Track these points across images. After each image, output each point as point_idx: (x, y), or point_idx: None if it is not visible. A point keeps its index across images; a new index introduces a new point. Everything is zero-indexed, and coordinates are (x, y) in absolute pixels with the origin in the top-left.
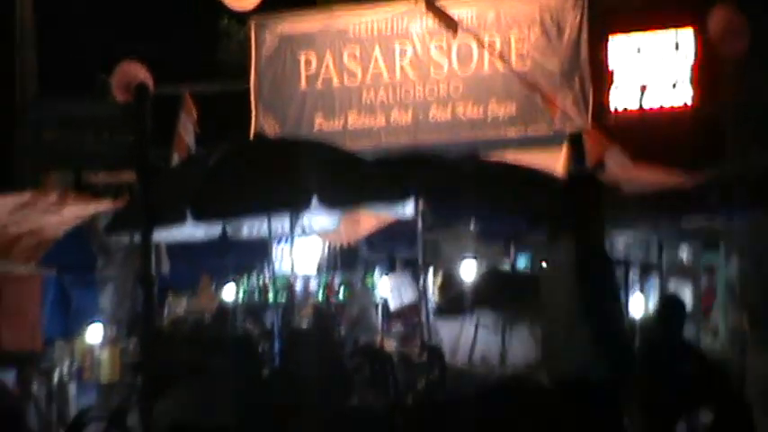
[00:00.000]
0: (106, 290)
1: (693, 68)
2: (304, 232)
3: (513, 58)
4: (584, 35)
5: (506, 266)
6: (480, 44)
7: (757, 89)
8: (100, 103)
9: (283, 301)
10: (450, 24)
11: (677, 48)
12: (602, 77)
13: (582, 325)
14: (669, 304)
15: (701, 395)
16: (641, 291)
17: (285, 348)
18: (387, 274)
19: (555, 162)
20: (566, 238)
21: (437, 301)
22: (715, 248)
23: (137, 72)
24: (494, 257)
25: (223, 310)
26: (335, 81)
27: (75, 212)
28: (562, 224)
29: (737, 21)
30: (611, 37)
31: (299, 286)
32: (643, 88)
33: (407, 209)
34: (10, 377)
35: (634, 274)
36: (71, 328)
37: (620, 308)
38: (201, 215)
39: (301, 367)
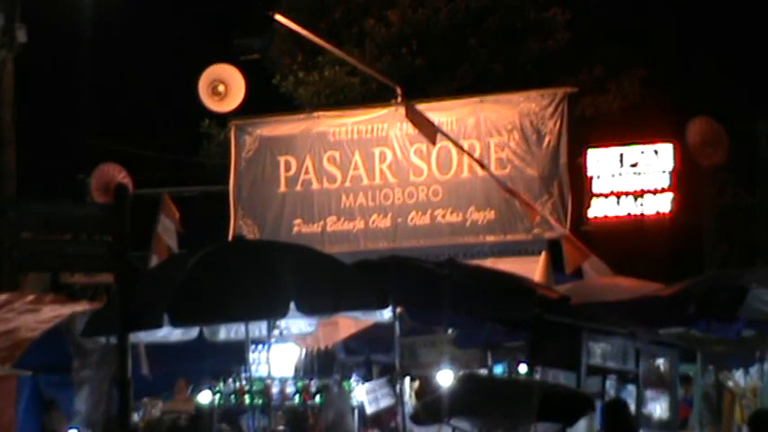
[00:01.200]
0: (82, 391)
1: (672, 178)
2: (282, 336)
3: (493, 163)
4: (564, 142)
5: (484, 372)
6: (460, 149)
7: (737, 198)
8: (79, 204)
9: (260, 404)
10: (430, 130)
11: (657, 157)
12: (581, 184)
13: None
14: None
15: None
16: (618, 403)
17: None
18: (363, 380)
19: (533, 269)
20: None
21: (414, 405)
22: (692, 359)
23: (116, 173)
24: (470, 363)
25: (199, 413)
26: (315, 184)
27: (51, 313)
28: None
29: (715, 132)
30: (590, 145)
31: (275, 389)
32: (622, 196)
33: (385, 313)
34: None
35: (615, 386)
36: (44, 427)
37: None
38: (179, 321)
39: None
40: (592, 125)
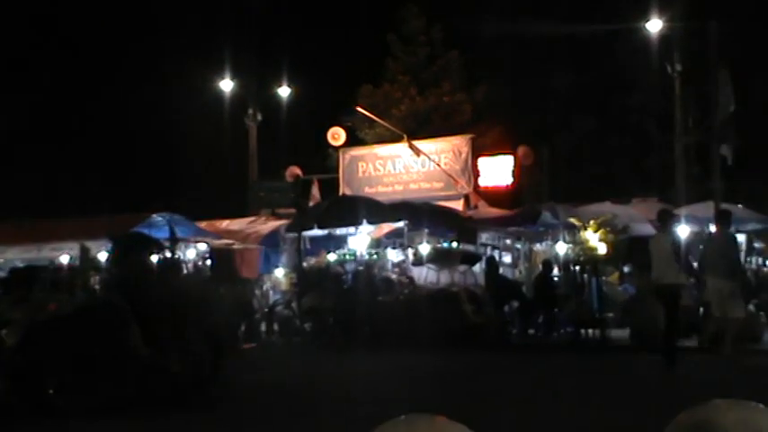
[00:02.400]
0: (284, 254)
1: (513, 170)
2: (359, 232)
3: (443, 164)
4: (471, 156)
5: (440, 246)
6: (430, 159)
7: (538, 180)
8: (282, 182)
9: (353, 259)
10: (417, 151)
11: (507, 161)
12: (476, 172)
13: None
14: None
15: (513, 295)
16: (492, 257)
17: (354, 277)
18: (392, 250)
19: (458, 205)
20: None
21: (412, 259)
22: (520, 239)
23: (296, 170)
24: (435, 243)
25: (328, 263)
26: (373, 173)
27: (272, 224)
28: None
29: (530, 151)
30: (480, 156)
31: (358, 254)
32: (493, 176)
33: (401, 223)
34: (247, 288)
35: (490, 250)
36: (270, 269)
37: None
38: (321, 226)
39: (360, 285)
40: (481, 148)
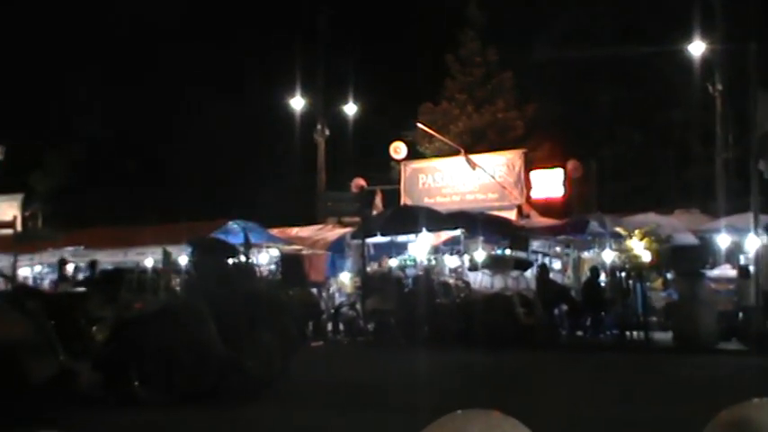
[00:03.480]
0: (349, 260)
1: (564, 182)
2: (420, 240)
3: (497, 177)
4: (523, 169)
5: (494, 252)
6: (485, 172)
7: (586, 191)
8: (347, 192)
9: (413, 264)
10: (473, 164)
11: (557, 173)
12: (529, 184)
13: None
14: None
15: (562, 299)
16: (543, 264)
17: (414, 281)
18: (449, 255)
19: (511, 215)
20: None
21: (468, 265)
22: (569, 246)
23: (360, 181)
24: (489, 249)
25: (390, 268)
26: (432, 185)
27: (339, 231)
28: None
29: (578, 164)
30: (532, 168)
31: (419, 260)
32: (543, 188)
33: (457, 231)
34: (314, 290)
35: (542, 257)
36: (336, 273)
37: None
38: (384, 233)
39: (420, 288)
40: (532, 162)
